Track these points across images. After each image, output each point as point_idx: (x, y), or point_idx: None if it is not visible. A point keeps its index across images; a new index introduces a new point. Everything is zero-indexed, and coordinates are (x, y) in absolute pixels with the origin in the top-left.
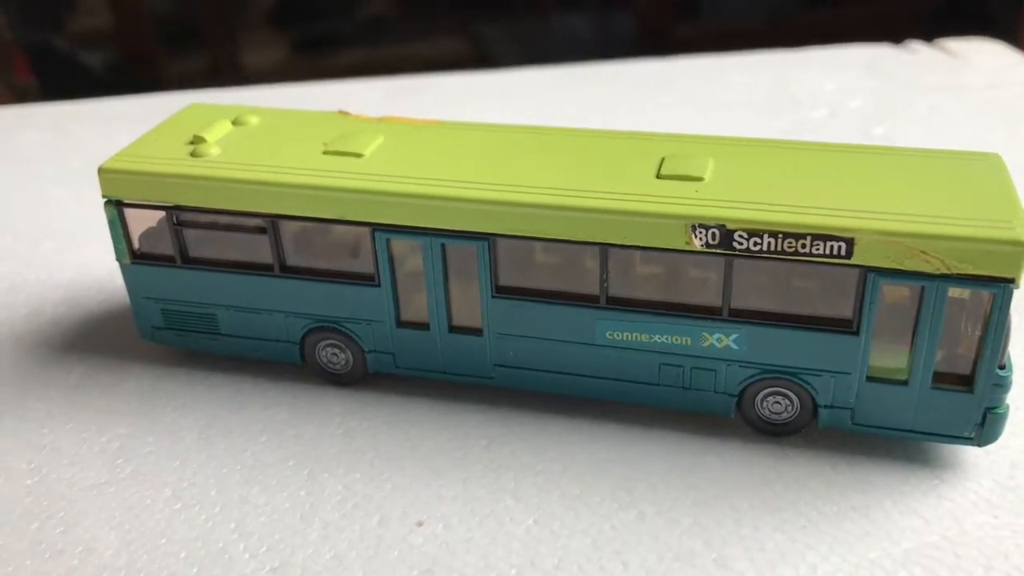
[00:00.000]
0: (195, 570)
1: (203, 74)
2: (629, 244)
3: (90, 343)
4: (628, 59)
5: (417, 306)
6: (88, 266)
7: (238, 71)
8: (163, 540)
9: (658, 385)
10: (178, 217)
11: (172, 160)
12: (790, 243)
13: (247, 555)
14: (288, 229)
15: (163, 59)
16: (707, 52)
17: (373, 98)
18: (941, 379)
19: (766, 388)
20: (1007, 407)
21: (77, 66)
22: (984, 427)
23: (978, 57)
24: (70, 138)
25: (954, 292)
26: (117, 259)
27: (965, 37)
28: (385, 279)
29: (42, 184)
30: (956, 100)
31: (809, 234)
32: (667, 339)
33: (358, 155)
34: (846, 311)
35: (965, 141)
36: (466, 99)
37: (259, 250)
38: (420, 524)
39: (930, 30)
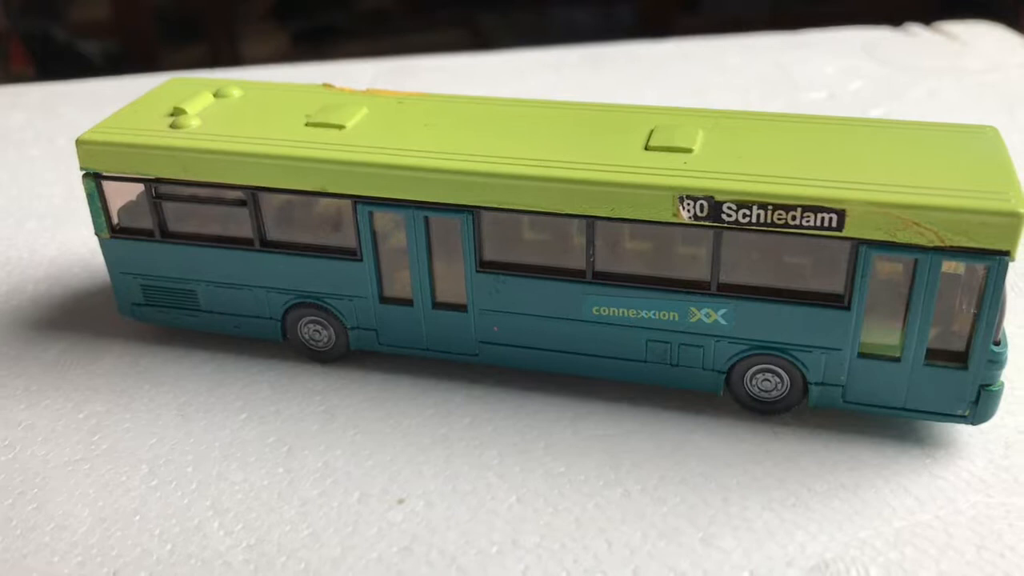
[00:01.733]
0: (169, 547)
1: (202, 65)
2: (616, 217)
3: (71, 320)
4: (625, 41)
5: (400, 282)
6: (72, 244)
7: (238, 63)
8: (137, 517)
9: (645, 362)
10: (157, 190)
11: (151, 132)
12: (780, 215)
13: (222, 532)
14: (269, 202)
15: (162, 50)
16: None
17: (369, 79)
18: (934, 356)
19: (755, 365)
20: (1002, 384)
21: (75, 55)
22: (978, 405)
23: (977, 40)
24: (59, 118)
25: (948, 266)
26: (96, 233)
27: (964, 20)
28: (368, 254)
29: (29, 164)
30: (955, 83)
31: (799, 205)
32: (654, 315)
33: (340, 127)
34: (837, 285)
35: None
36: (462, 80)
37: (240, 224)
38: (401, 501)
39: (931, 17)
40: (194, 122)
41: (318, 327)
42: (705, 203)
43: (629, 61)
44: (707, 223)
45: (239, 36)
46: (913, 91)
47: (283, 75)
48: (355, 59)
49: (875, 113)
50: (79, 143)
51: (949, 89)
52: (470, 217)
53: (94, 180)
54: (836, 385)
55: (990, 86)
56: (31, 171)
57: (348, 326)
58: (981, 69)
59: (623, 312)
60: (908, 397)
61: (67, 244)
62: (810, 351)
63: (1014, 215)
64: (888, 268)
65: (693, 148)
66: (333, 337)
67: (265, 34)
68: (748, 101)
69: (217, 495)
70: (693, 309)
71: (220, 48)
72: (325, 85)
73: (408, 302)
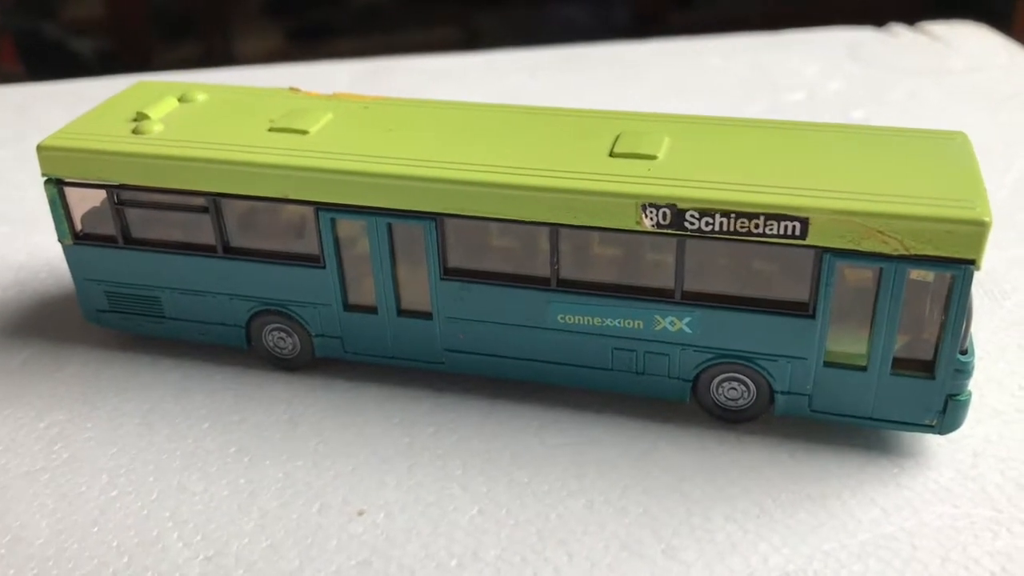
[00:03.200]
0: (126, 560)
1: (195, 63)
2: (579, 224)
3: (36, 327)
4: (604, 42)
5: (365, 289)
6: (41, 248)
7: (231, 61)
8: (95, 528)
9: (611, 370)
10: (119, 196)
11: (113, 137)
12: (743, 223)
13: (180, 544)
14: (231, 209)
15: (156, 48)
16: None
17: (348, 80)
18: (901, 365)
19: (721, 373)
20: (969, 394)
21: (66, 53)
22: (946, 414)
23: (960, 40)
24: (34, 120)
25: (914, 274)
26: (59, 240)
27: (949, 20)
28: (331, 260)
29: (0, 167)
30: (937, 83)
31: (762, 214)
32: (619, 323)
33: (304, 132)
34: (802, 294)
35: (945, 125)
36: (442, 81)
37: (202, 231)
38: (361, 513)
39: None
40: (157, 127)
41: (282, 335)
42: (668, 211)
43: (610, 62)
44: (670, 231)
45: (233, 34)
46: (894, 92)
47: (260, 77)
48: (333, 60)
49: (856, 114)
50: (40, 149)
51: (931, 89)
52: (433, 224)
53: (56, 186)
54: (802, 394)
55: (972, 87)
56: (2, 174)
57: (313, 333)
58: (963, 69)
59: (588, 320)
60: (875, 406)
61: (37, 249)
62: (776, 360)
63: (979, 224)
64: (854, 276)
65: (658, 155)
66: (298, 345)
67: (259, 32)
68: (729, 101)
69: (177, 506)
70: (658, 317)
71: (214, 46)
72: (291, 89)
73: (373, 309)
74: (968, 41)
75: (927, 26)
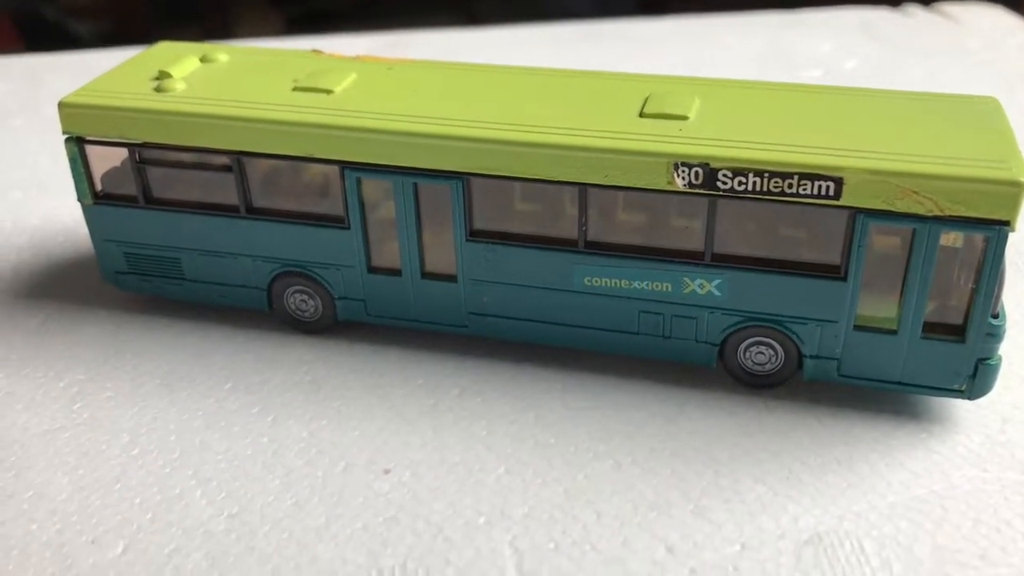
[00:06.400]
0: (149, 516)
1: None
2: (609, 184)
3: (54, 288)
4: (619, 18)
5: (389, 251)
6: (56, 213)
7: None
8: (118, 486)
9: (637, 333)
10: (141, 155)
11: (136, 95)
12: (776, 183)
13: (204, 501)
14: (255, 168)
15: (155, 31)
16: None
17: (371, 53)
18: (932, 329)
19: (749, 337)
20: (999, 358)
21: (66, 35)
22: (976, 379)
23: (975, 20)
24: (44, 88)
25: (946, 238)
26: (79, 200)
27: (962, 0)
28: (355, 221)
29: (12, 134)
30: (953, 63)
31: (796, 173)
32: (647, 285)
33: (328, 91)
34: (834, 256)
35: None
36: (454, 56)
37: (225, 191)
38: (387, 472)
39: None
40: (179, 86)
41: (305, 297)
42: (700, 170)
43: (624, 38)
44: (702, 191)
45: (233, 19)
46: (911, 70)
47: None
48: (349, 33)
49: None
50: (61, 105)
51: (947, 68)
52: (460, 184)
53: (77, 144)
54: (831, 358)
55: (988, 65)
56: (15, 141)
57: (335, 296)
58: (979, 49)
59: (615, 283)
60: (904, 371)
61: (51, 213)
62: (805, 323)
63: (1014, 184)
64: (885, 239)
65: (689, 115)
66: (320, 307)
67: (259, 17)
68: (744, 78)
69: (200, 464)
70: (686, 280)
71: (214, 31)
72: (314, 51)
73: (396, 272)
74: (983, 20)
75: (941, 6)
